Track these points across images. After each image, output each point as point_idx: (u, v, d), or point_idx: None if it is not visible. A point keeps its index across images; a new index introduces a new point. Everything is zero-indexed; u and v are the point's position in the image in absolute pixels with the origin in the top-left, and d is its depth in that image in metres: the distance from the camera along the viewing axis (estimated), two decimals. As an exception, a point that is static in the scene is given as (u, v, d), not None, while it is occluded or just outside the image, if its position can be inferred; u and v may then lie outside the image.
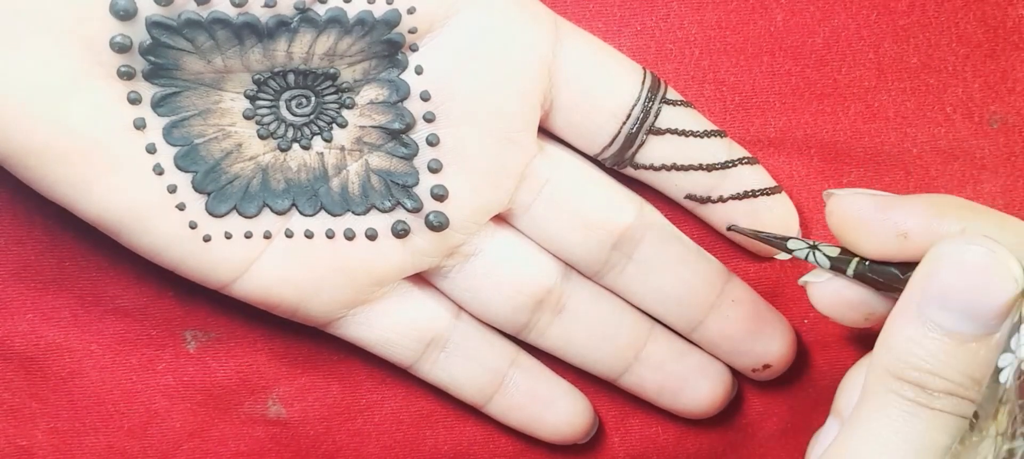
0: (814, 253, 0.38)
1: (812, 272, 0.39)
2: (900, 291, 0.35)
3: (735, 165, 0.44)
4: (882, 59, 0.46)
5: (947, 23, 0.46)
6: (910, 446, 0.33)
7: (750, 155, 0.44)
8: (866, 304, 0.38)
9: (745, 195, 0.44)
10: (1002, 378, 0.33)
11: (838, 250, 0.38)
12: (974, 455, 0.34)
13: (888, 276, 0.36)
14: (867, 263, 0.37)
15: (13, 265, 0.44)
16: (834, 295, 0.38)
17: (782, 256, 0.39)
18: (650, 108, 0.42)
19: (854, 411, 0.35)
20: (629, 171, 0.44)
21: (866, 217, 0.36)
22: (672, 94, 0.43)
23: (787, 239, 0.39)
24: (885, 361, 0.34)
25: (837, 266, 0.37)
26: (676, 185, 0.44)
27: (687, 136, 0.43)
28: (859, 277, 0.37)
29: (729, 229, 0.43)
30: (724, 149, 0.44)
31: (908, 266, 0.35)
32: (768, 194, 0.44)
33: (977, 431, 0.34)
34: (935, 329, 0.33)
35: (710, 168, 0.43)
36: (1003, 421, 0.33)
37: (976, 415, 0.34)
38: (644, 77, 0.42)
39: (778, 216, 0.44)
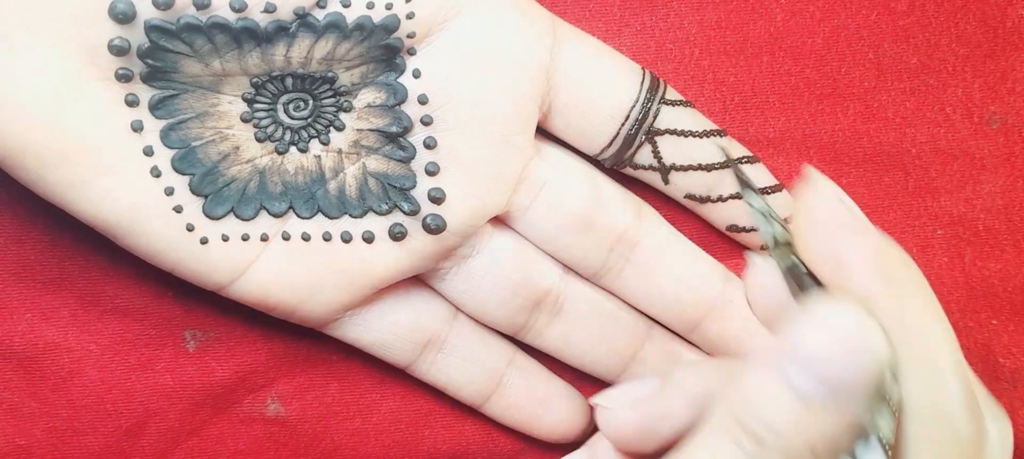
0: (768, 221, 0.35)
1: (757, 255, 0.37)
2: None
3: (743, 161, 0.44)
4: (882, 59, 0.45)
5: (947, 23, 0.45)
6: None
7: (751, 154, 0.44)
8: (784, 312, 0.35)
9: None
10: None
11: (788, 238, 0.35)
12: None
13: (807, 293, 0.33)
14: (801, 266, 0.34)
15: (12, 265, 0.44)
16: (762, 284, 0.36)
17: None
18: (649, 109, 0.42)
19: (693, 437, 0.33)
20: (628, 171, 0.44)
21: (824, 221, 0.33)
22: (672, 94, 0.43)
23: (754, 191, 0.36)
24: (733, 401, 0.33)
25: (778, 249, 0.35)
26: (676, 185, 0.44)
27: (687, 136, 0.43)
28: (787, 273, 0.34)
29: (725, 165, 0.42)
30: (725, 148, 0.44)
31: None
32: (769, 193, 0.44)
33: None
34: (787, 386, 0.31)
35: (710, 168, 0.43)
36: None
37: None
38: (643, 78, 0.42)
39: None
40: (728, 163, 0.42)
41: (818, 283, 0.33)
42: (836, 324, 0.31)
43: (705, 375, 0.41)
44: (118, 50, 0.36)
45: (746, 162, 0.44)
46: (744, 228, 0.44)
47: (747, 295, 0.37)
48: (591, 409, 0.47)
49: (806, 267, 0.34)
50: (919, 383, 0.32)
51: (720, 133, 0.44)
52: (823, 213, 0.33)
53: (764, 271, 0.36)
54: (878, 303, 0.32)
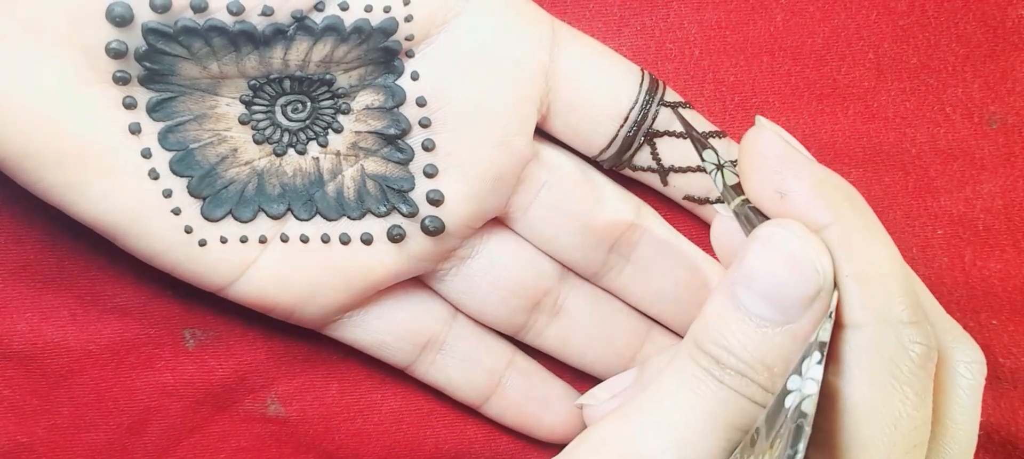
0: (717, 172, 0.37)
1: (722, 204, 0.38)
2: None
3: (735, 165, 0.44)
4: (882, 59, 0.45)
5: (947, 23, 0.45)
6: (695, 412, 0.34)
7: (750, 154, 0.44)
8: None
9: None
10: (787, 402, 0.32)
11: (737, 180, 0.36)
12: None
13: (755, 226, 0.35)
14: (748, 205, 0.35)
15: (12, 264, 0.44)
16: (723, 232, 0.38)
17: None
18: (648, 110, 0.42)
19: (664, 369, 0.35)
20: (627, 172, 0.44)
21: (766, 160, 0.35)
22: (671, 95, 0.43)
23: (707, 148, 0.38)
24: (695, 329, 0.34)
25: (726, 195, 0.36)
26: (675, 186, 0.44)
27: (685, 138, 0.43)
28: (737, 215, 0.36)
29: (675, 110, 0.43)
30: (723, 150, 0.43)
31: None
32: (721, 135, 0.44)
33: (754, 453, 0.33)
34: (739, 308, 0.33)
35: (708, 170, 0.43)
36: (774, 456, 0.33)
37: (757, 431, 0.33)
38: (642, 79, 0.42)
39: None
40: (675, 109, 0.42)
41: (766, 219, 0.35)
42: (778, 244, 0.33)
43: None
44: (116, 53, 0.36)
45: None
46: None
47: (712, 243, 0.38)
48: (591, 410, 0.48)
49: (754, 205, 0.35)
50: (863, 297, 0.33)
51: (720, 134, 0.43)
52: (765, 151, 0.35)
53: (725, 219, 0.37)
54: (821, 226, 0.33)
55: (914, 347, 0.33)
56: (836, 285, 0.33)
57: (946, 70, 0.46)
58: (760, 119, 0.36)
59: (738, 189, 0.36)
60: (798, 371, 0.32)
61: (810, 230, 0.33)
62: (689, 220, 0.46)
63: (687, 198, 0.44)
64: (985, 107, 0.46)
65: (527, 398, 0.47)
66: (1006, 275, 0.46)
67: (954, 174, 0.46)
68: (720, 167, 0.37)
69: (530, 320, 0.45)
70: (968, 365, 0.37)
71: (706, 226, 0.46)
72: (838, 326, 0.33)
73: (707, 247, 0.46)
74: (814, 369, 0.32)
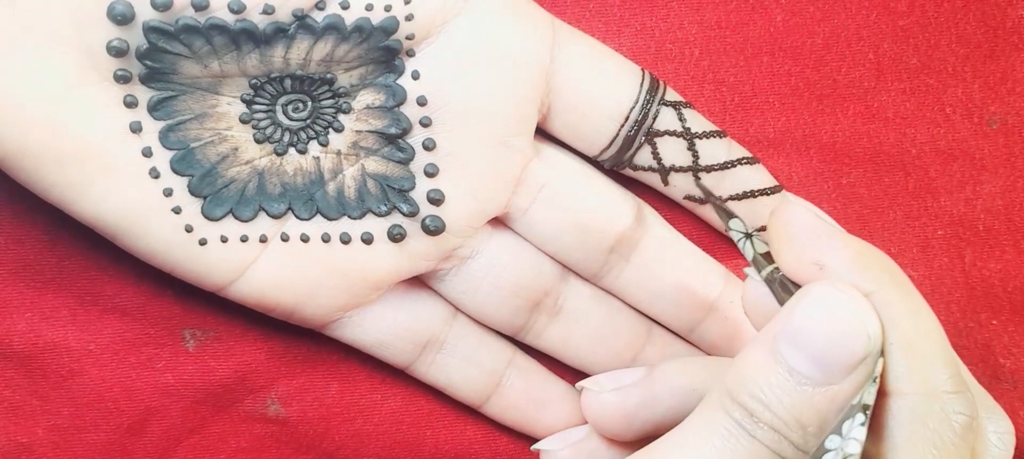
0: (746, 241, 0.37)
1: (750, 267, 0.38)
2: None
3: (735, 165, 0.44)
4: (882, 59, 0.45)
5: (947, 23, 0.45)
6: None
7: (750, 155, 0.44)
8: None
9: (745, 195, 0.44)
10: None
11: (767, 249, 0.36)
12: None
13: (790, 295, 0.35)
14: (780, 273, 0.35)
15: (13, 264, 0.44)
16: (756, 295, 0.37)
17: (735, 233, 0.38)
18: (648, 110, 0.42)
19: (691, 414, 0.35)
20: (628, 172, 0.44)
21: (798, 233, 0.35)
22: (671, 95, 0.43)
23: (733, 216, 0.38)
24: (728, 378, 0.34)
25: (757, 263, 0.36)
26: (675, 186, 0.44)
27: (686, 137, 0.43)
28: (769, 282, 0.36)
29: (699, 195, 0.43)
30: (723, 149, 0.44)
31: None
32: (768, 194, 0.44)
33: None
34: (780, 363, 0.33)
35: (709, 169, 0.43)
36: None
37: None
38: (643, 79, 0.42)
39: None
40: (708, 199, 0.43)
41: (798, 287, 0.35)
42: (829, 304, 0.33)
43: (690, 370, 0.43)
44: (117, 51, 0.36)
45: (745, 163, 0.44)
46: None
47: (743, 306, 0.38)
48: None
49: (784, 274, 0.35)
50: (908, 366, 0.33)
51: (720, 134, 0.43)
52: (799, 224, 0.35)
53: (756, 283, 0.37)
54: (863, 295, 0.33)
55: (957, 417, 0.33)
56: (882, 352, 0.33)
57: (946, 70, 0.46)
58: (787, 195, 0.36)
59: (768, 257, 0.36)
60: (838, 432, 0.33)
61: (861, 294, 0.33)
62: (689, 220, 0.46)
63: (688, 198, 0.44)
64: (985, 107, 0.46)
65: (527, 398, 0.46)
66: (1006, 275, 0.46)
67: (954, 174, 0.46)
68: (749, 236, 0.37)
69: (530, 320, 0.45)
70: (1000, 435, 0.37)
71: (706, 226, 0.46)
72: (880, 394, 0.33)
73: (707, 247, 0.46)
74: (857, 430, 0.32)
